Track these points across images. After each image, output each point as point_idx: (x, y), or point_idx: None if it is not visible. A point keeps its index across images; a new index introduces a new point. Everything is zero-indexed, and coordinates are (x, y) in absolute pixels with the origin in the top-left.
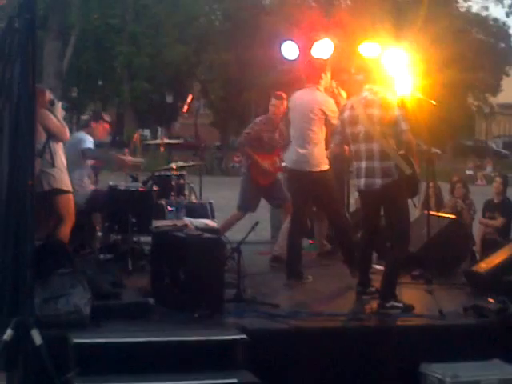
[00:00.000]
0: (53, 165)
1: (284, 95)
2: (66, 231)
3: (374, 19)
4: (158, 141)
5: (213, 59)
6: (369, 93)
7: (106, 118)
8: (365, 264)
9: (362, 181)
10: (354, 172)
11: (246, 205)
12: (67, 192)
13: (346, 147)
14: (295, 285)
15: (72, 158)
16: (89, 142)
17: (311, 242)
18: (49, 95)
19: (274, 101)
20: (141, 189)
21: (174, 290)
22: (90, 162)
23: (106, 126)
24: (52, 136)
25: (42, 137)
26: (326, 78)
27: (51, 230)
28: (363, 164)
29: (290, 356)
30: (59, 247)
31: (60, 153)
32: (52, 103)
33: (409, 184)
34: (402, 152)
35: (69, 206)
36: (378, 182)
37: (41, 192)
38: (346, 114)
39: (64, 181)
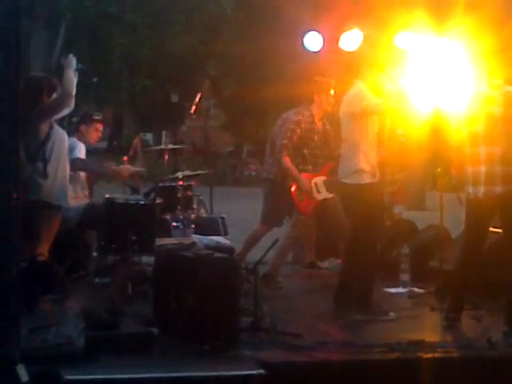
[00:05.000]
0: (44, 175)
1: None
2: (43, 253)
3: (412, 5)
4: (162, 146)
5: (224, 51)
6: (487, 87)
7: (97, 116)
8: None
9: (482, 188)
10: (469, 178)
11: (273, 217)
12: (54, 208)
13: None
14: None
15: None
16: (79, 151)
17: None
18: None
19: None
20: (142, 202)
21: (181, 319)
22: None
23: (99, 126)
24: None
25: (41, 137)
26: None
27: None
28: (482, 169)
29: None
30: (48, 269)
31: (61, 162)
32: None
33: None
34: None
35: (51, 224)
36: (499, 189)
37: (24, 202)
38: (462, 111)
39: (54, 194)
